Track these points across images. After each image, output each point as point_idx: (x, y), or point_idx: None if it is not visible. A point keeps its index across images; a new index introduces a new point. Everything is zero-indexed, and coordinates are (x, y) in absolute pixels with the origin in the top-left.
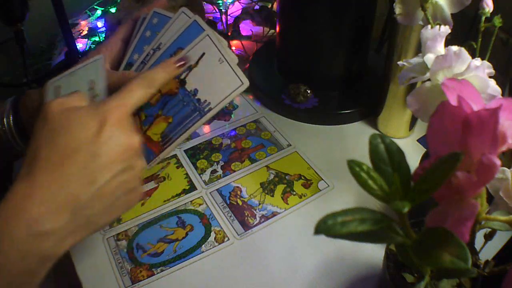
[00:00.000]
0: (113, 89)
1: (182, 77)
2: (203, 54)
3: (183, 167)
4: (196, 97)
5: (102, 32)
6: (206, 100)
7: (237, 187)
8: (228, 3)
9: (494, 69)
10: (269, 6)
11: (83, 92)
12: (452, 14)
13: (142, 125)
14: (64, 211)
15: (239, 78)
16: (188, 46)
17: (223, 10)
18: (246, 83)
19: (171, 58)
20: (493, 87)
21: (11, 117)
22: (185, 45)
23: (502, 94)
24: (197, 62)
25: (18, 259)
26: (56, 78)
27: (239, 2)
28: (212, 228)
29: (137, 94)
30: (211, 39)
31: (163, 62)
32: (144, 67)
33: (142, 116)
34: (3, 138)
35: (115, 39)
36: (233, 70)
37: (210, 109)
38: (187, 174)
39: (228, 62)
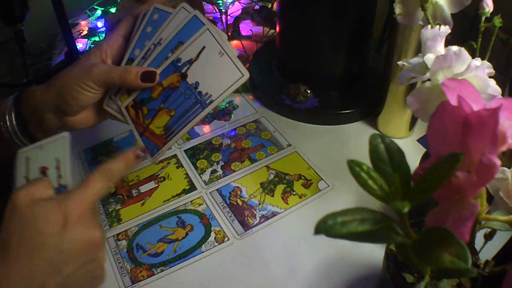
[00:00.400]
0: (114, 85)
1: (183, 70)
2: (203, 47)
3: (183, 167)
4: (198, 90)
5: (102, 32)
6: (207, 93)
7: (237, 187)
8: (228, 3)
9: (494, 69)
10: (269, 6)
11: (47, 180)
12: (452, 14)
13: (144, 118)
14: None
15: (239, 70)
16: (188, 40)
17: (223, 10)
18: (246, 74)
19: (129, 151)
20: (493, 87)
21: (13, 114)
22: (185, 39)
23: (502, 94)
24: (197, 56)
25: None
26: (26, 148)
27: (239, 2)
28: (212, 228)
29: (96, 187)
30: (211, 33)
31: (122, 153)
32: (145, 62)
33: (145, 110)
34: (5, 135)
35: (116, 35)
36: (233, 62)
37: (211, 101)
38: (187, 174)
39: (228, 55)
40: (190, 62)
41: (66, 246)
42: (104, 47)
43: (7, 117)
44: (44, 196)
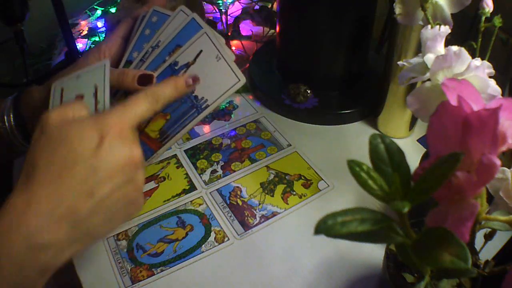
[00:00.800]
0: (112, 87)
1: (180, 74)
2: (201, 51)
3: (183, 167)
4: (194, 94)
5: (102, 32)
6: (203, 97)
7: (237, 187)
8: (228, 3)
9: (494, 69)
10: (269, 6)
11: (83, 102)
12: (452, 14)
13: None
14: (63, 223)
15: (235, 74)
16: (186, 44)
17: (223, 10)
18: (243, 79)
19: (183, 76)
20: (493, 87)
21: (11, 115)
22: (183, 42)
23: (502, 94)
24: (194, 59)
25: (16, 271)
26: (61, 80)
27: (239, 2)
28: (212, 228)
29: (140, 108)
30: (208, 36)
31: (173, 77)
32: (142, 64)
33: None
34: (4, 136)
35: (114, 37)
36: (230, 67)
37: (207, 106)
38: (187, 174)
39: (225, 59)
40: (187, 65)
41: (102, 164)
42: (103, 49)
43: (5, 117)
44: (78, 116)
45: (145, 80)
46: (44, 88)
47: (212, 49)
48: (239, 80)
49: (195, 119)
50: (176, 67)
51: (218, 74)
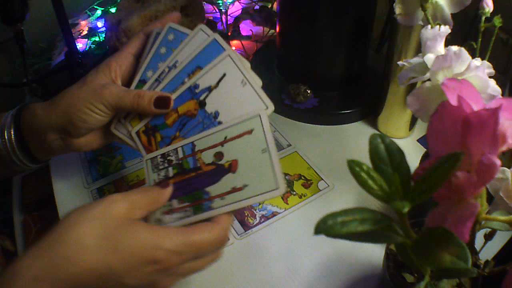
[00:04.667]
0: (125, 110)
1: (202, 98)
2: (224, 74)
3: None
4: (218, 120)
5: (102, 32)
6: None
7: None
8: (228, 3)
9: (494, 69)
10: (269, 6)
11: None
12: (452, 14)
13: (158, 146)
14: None
15: (263, 101)
16: (207, 66)
17: (223, 10)
18: (271, 107)
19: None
20: (493, 87)
21: (12, 131)
22: (203, 64)
23: (502, 94)
24: (217, 83)
25: None
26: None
27: (239, 2)
28: None
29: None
30: (232, 59)
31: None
32: (158, 85)
33: (158, 137)
34: (3, 152)
35: (125, 53)
36: (257, 93)
37: None
38: None
39: (251, 85)
40: (209, 89)
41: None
42: (114, 66)
43: (5, 133)
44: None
45: (162, 103)
46: (48, 107)
47: (236, 73)
48: (267, 107)
49: None
50: (197, 90)
51: (244, 100)
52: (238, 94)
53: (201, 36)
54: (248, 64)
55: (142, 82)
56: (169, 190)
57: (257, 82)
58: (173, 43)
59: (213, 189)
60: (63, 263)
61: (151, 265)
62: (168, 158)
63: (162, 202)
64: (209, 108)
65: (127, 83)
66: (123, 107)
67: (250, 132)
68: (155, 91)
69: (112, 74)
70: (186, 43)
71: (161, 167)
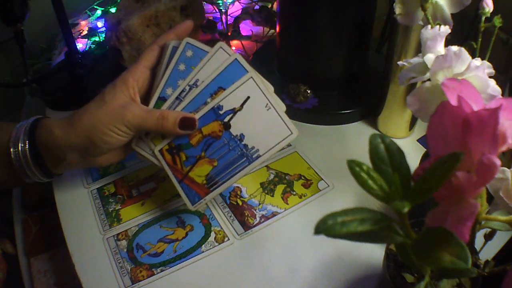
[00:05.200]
0: (149, 131)
1: (226, 120)
2: (248, 97)
3: None
4: (243, 143)
5: (102, 32)
6: (253, 147)
7: (237, 187)
8: (228, 3)
9: (494, 69)
10: (269, 6)
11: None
12: (452, 14)
13: (183, 165)
14: None
15: (287, 127)
16: (230, 87)
17: (223, 10)
18: (295, 132)
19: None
20: (493, 87)
21: (27, 146)
22: (226, 85)
23: (502, 94)
24: (241, 106)
25: None
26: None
27: (239, 2)
28: (212, 228)
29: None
30: (255, 82)
31: None
32: (179, 104)
33: (183, 156)
34: (16, 165)
35: (140, 67)
36: (281, 118)
37: (258, 156)
38: None
39: (275, 110)
40: (234, 111)
41: None
42: (131, 83)
43: (19, 146)
44: None
45: (187, 124)
46: (67, 127)
47: (260, 97)
48: (292, 133)
49: (246, 168)
50: (221, 112)
51: (269, 125)
52: (263, 118)
53: (221, 55)
54: (271, 88)
55: (162, 99)
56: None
57: (281, 107)
58: (192, 60)
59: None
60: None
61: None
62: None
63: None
64: (234, 130)
65: (145, 98)
66: (147, 128)
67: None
68: (179, 111)
69: (130, 91)
70: (206, 62)
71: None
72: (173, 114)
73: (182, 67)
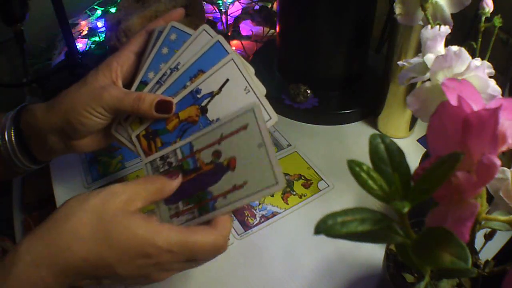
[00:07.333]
0: (125, 113)
1: (204, 104)
2: (227, 80)
3: None
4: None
5: (102, 32)
6: None
7: None
8: (228, 3)
9: (494, 69)
10: (269, 6)
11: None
12: (452, 14)
13: (157, 151)
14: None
15: (266, 111)
16: (210, 70)
17: (223, 10)
18: (275, 117)
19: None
20: (493, 87)
21: (12, 132)
22: (206, 68)
23: (502, 94)
24: (220, 89)
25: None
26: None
27: (239, 2)
28: None
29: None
30: (236, 64)
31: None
32: (159, 88)
33: (158, 142)
34: (4, 154)
35: (127, 52)
36: (260, 102)
37: None
38: None
39: (255, 93)
40: (212, 95)
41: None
42: (115, 66)
43: (5, 134)
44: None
45: (164, 107)
46: (47, 108)
47: (240, 79)
48: (271, 118)
49: None
50: (199, 95)
51: None
52: (241, 102)
53: (204, 37)
54: (252, 70)
55: (144, 83)
56: (177, 181)
57: (261, 90)
58: (176, 43)
59: (215, 189)
60: (58, 251)
61: (142, 258)
62: (168, 160)
63: (168, 192)
64: (211, 115)
65: (129, 83)
66: (123, 110)
67: (245, 127)
68: (157, 94)
69: (112, 74)
70: (188, 44)
71: (161, 169)
72: (150, 96)
73: (165, 50)
